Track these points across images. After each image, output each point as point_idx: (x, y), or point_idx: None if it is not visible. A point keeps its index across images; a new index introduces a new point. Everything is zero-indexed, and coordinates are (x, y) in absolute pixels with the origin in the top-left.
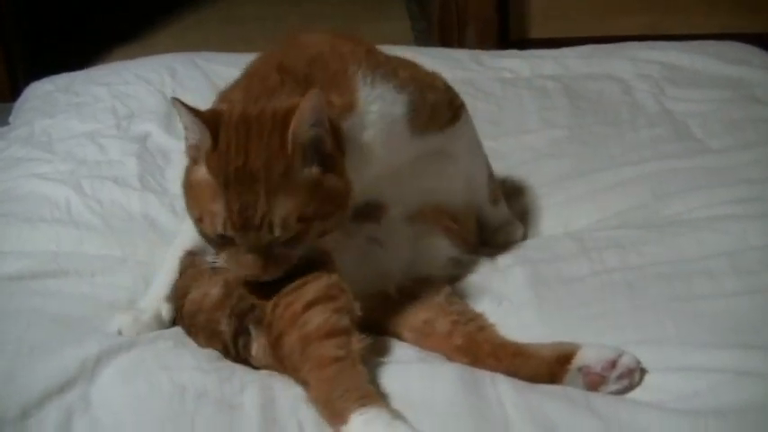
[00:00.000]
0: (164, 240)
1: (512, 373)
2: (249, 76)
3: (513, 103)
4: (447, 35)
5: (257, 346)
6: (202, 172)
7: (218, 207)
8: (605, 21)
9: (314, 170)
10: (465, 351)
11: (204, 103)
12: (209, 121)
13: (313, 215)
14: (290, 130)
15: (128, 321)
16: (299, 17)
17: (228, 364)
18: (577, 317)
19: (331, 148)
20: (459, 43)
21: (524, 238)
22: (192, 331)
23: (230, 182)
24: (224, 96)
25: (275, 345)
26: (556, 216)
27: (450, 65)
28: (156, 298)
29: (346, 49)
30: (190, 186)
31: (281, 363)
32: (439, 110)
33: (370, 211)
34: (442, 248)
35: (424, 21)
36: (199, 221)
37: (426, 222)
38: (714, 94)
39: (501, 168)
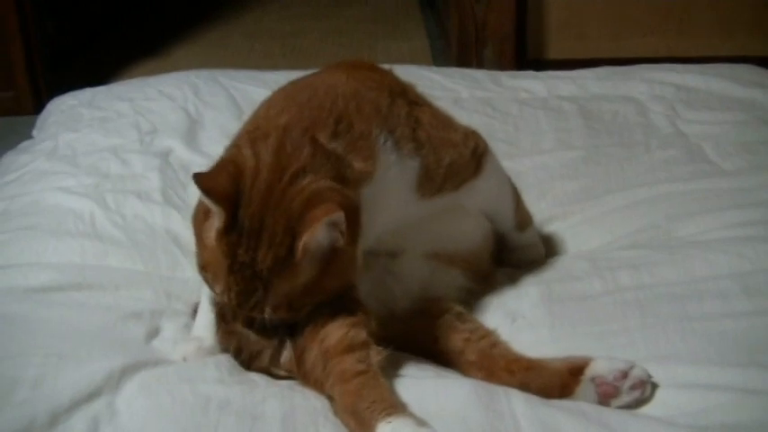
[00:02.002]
0: (186, 255)
1: (525, 386)
2: (283, 132)
3: (530, 124)
4: (465, 54)
5: (286, 354)
6: (212, 236)
7: (220, 276)
8: (622, 42)
9: (316, 271)
10: (479, 366)
11: (226, 119)
12: (228, 202)
13: (305, 305)
14: (302, 245)
15: (191, 350)
16: (319, 33)
17: (250, 377)
18: (590, 334)
19: (344, 243)
20: (478, 62)
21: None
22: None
23: (235, 270)
24: (253, 142)
25: (298, 360)
26: (570, 236)
27: (469, 85)
28: (210, 325)
29: (371, 106)
30: (199, 233)
31: (304, 377)
32: (457, 168)
33: (389, 249)
34: (454, 280)
35: (443, 39)
36: (202, 268)
37: (441, 261)
38: (728, 116)
39: (517, 187)
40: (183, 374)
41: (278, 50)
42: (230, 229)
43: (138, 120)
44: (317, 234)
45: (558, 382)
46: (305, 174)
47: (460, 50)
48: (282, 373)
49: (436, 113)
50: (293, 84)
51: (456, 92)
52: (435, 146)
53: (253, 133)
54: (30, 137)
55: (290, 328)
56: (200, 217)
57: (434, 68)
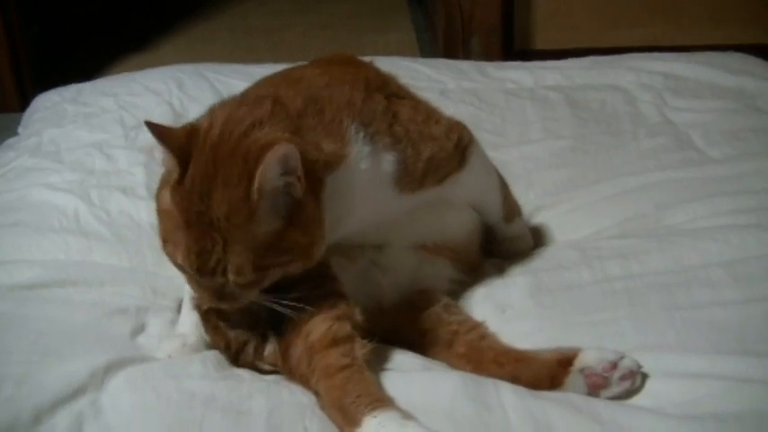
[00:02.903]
0: None
1: (514, 378)
2: (243, 96)
3: (517, 114)
4: (452, 46)
5: (270, 348)
6: (167, 197)
7: (179, 240)
8: (609, 32)
9: (277, 222)
10: (468, 358)
11: None
12: (181, 151)
13: (270, 265)
14: (256, 183)
15: (176, 347)
16: (305, 28)
17: (236, 372)
18: (579, 324)
19: (303, 194)
20: (464, 54)
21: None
22: (207, 323)
23: (191, 224)
24: (213, 110)
25: (284, 356)
26: (558, 225)
27: (456, 76)
28: (195, 321)
29: (344, 98)
30: (158, 204)
31: (290, 372)
32: (438, 162)
33: (374, 242)
34: (442, 271)
35: (430, 31)
36: (163, 243)
37: (428, 252)
38: (716, 104)
39: (504, 178)
40: (169, 371)
41: (263, 45)
42: (183, 179)
43: (122, 115)
44: (270, 169)
45: (547, 373)
46: (261, 125)
47: (447, 42)
48: (268, 367)
49: (417, 107)
50: (265, 78)
51: (442, 83)
52: (414, 140)
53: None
54: (15, 134)
55: (273, 322)
56: (160, 190)
57: (420, 60)
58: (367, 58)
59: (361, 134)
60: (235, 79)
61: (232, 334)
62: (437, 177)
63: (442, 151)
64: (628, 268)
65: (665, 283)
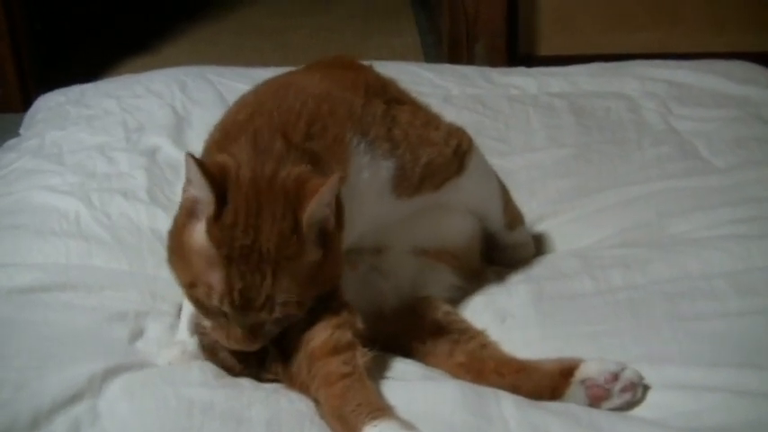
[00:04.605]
0: None
1: (515, 388)
2: (254, 133)
3: (520, 121)
4: (456, 50)
5: (270, 358)
6: (200, 235)
7: (216, 280)
8: (614, 38)
9: (317, 253)
10: (468, 368)
11: (214, 117)
12: (217, 184)
13: (310, 298)
14: (307, 215)
15: (176, 354)
16: (309, 30)
17: (235, 380)
18: (580, 334)
19: (333, 227)
20: (469, 58)
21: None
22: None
23: (234, 259)
24: (224, 146)
25: (284, 364)
26: (561, 234)
27: (460, 81)
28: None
29: (345, 108)
30: (181, 246)
31: (290, 380)
32: (435, 168)
33: (372, 246)
34: (443, 276)
35: (434, 35)
36: (189, 287)
37: (429, 257)
38: (720, 113)
39: (507, 186)
40: (167, 377)
41: (268, 47)
42: (220, 214)
43: (125, 117)
44: (322, 203)
45: (548, 384)
46: (284, 165)
47: (452, 46)
48: (269, 376)
49: (417, 111)
50: (264, 85)
51: (446, 89)
52: (412, 145)
53: (221, 141)
54: (17, 135)
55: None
56: (179, 230)
57: (424, 65)
58: (369, 63)
59: (362, 145)
60: (238, 83)
61: (233, 362)
62: (434, 183)
63: (440, 157)
64: (630, 278)
65: (668, 293)
